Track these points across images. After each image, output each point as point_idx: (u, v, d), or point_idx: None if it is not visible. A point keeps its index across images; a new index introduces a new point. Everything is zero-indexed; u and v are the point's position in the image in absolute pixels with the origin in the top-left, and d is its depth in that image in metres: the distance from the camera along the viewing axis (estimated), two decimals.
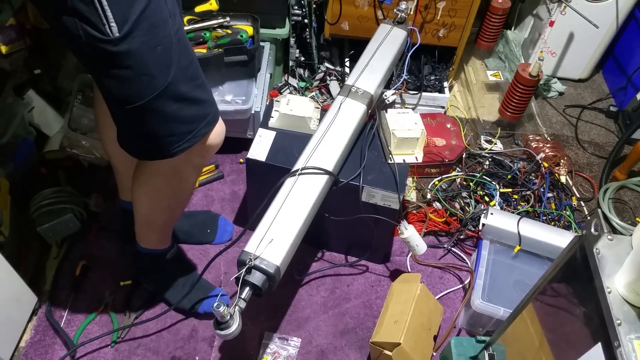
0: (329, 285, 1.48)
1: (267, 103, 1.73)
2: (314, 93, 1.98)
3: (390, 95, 1.43)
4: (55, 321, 1.34)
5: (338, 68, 1.99)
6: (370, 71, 1.41)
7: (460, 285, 1.50)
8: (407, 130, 1.33)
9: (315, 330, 1.39)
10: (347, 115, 1.31)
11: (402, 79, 1.48)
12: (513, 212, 1.62)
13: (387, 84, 1.52)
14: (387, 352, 1.24)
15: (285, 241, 1.09)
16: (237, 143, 1.74)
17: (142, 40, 0.85)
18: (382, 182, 1.31)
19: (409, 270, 1.52)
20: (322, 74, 1.99)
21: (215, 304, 0.98)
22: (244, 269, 1.04)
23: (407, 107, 1.87)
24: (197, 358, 1.32)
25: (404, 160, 1.35)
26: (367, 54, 1.46)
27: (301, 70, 2.02)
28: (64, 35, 0.84)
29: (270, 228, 1.10)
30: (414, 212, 1.65)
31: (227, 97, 1.57)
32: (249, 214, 1.56)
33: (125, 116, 0.96)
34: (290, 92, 1.98)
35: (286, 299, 1.44)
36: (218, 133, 1.07)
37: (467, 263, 1.55)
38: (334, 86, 1.97)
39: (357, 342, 1.38)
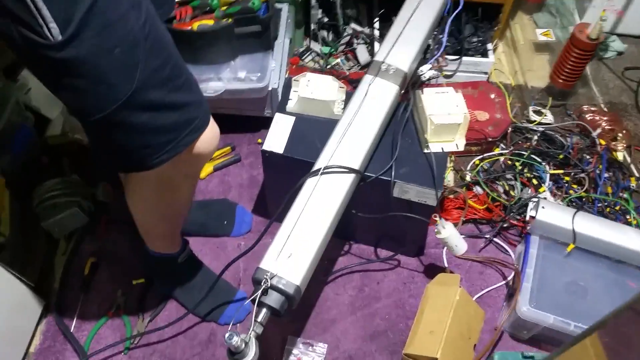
0: (357, 283, 1.35)
1: (287, 75, 1.56)
2: (339, 59, 1.78)
3: (427, 70, 1.24)
4: (65, 326, 1.26)
5: (366, 29, 1.78)
6: (404, 43, 1.21)
7: (503, 282, 1.35)
8: (447, 114, 1.15)
9: (342, 333, 1.27)
10: (377, 99, 1.13)
11: (441, 51, 1.28)
12: (565, 197, 1.44)
13: (423, 56, 1.32)
14: None
15: (306, 256, 0.95)
16: (254, 122, 1.58)
17: (93, 42, 0.68)
18: (417, 175, 1.15)
19: (446, 264, 1.37)
20: (348, 37, 1.79)
21: (227, 335, 0.86)
22: (260, 291, 0.91)
23: (445, 78, 1.66)
24: None
25: (442, 149, 1.18)
26: (400, 22, 1.26)
27: (325, 33, 1.82)
28: (3, 38, 0.68)
29: (288, 240, 0.96)
30: (452, 197, 1.48)
31: (240, 73, 1.40)
32: (269, 206, 1.42)
33: (88, 129, 0.81)
34: (313, 59, 1.79)
35: (311, 299, 1.31)
36: (209, 139, 0.91)
37: (511, 256, 1.39)
38: (361, 51, 1.77)
39: (388, 347, 1.25)
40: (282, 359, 1.22)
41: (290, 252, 0.94)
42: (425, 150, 1.17)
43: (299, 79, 1.22)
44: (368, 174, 1.13)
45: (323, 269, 1.35)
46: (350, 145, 1.07)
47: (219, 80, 1.40)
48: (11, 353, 1.19)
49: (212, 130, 0.93)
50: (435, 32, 1.35)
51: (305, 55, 1.80)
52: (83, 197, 1.39)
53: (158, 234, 1.16)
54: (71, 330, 1.26)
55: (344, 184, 1.03)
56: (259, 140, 1.59)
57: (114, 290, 1.32)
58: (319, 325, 1.28)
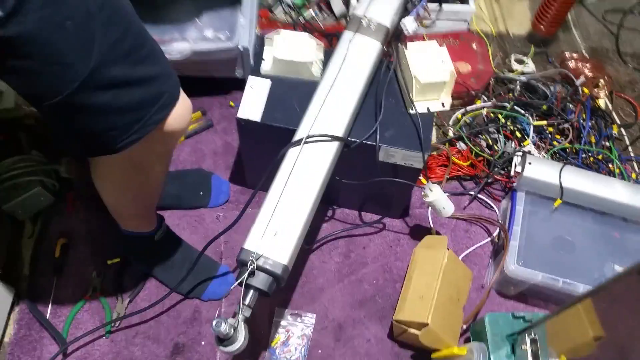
0: (342, 249, 1.31)
1: (257, 31, 1.46)
2: (311, 10, 1.68)
3: (410, 23, 1.15)
4: (40, 313, 1.19)
5: None
6: None
7: (489, 239, 1.34)
8: (432, 72, 1.09)
9: (330, 302, 1.24)
10: (359, 57, 1.05)
11: (423, 2, 1.20)
12: (549, 149, 1.42)
13: (404, 7, 1.24)
14: (413, 330, 1.10)
15: (293, 233, 0.90)
16: (224, 83, 1.49)
17: (38, 16, 0.59)
18: (403, 138, 1.09)
19: (431, 225, 1.34)
20: None
21: (214, 323, 0.81)
22: (246, 273, 0.86)
23: (424, 28, 1.58)
24: (203, 343, 1.18)
25: (428, 108, 1.12)
26: None
27: None
28: None
29: (272, 217, 0.90)
30: (435, 154, 1.44)
31: (206, 32, 1.29)
32: (246, 175, 1.35)
33: (47, 116, 0.72)
34: (284, 12, 1.68)
35: (297, 269, 1.28)
36: (180, 115, 0.82)
37: (495, 212, 1.37)
38: (336, 2, 1.66)
39: (377, 312, 1.24)
40: (270, 332, 1.19)
41: (276, 230, 0.89)
42: (411, 111, 1.11)
43: (272, 37, 1.13)
44: (352, 139, 1.07)
45: (308, 236, 1.30)
46: (332, 111, 1.00)
47: (183, 41, 1.29)
48: None
49: (183, 105, 0.84)
50: None
51: (276, 7, 1.69)
52: (46, 174, 1.30)
53: (130, 215, 1.09)
54: (47, 317, 1.19)
55: (328, 152, 0.97)
56: (232, 103, 1.50)
57: (88, 272, 1.25)
58: (307, 295, 1.24)
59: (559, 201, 1.21)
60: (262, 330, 1.20)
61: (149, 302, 1.21)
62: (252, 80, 1.14)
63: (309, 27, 1.64)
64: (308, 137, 0.96)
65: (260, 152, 1.20)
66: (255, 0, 1.51)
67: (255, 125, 1.10)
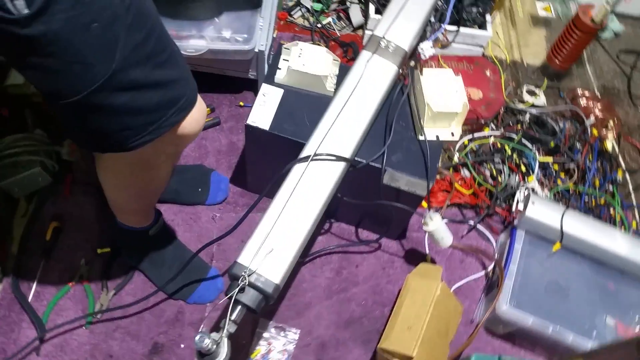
0: (335, 265, 1.30)
1: (274, 34, 1.44)
2: (330, 19, 1.66)
3: (427, 48, 1.14)
4: (22, 295, 1.18)
5: None
6: (406, 18, 1.11)
7: (483, 273, 1.33)
8: (446, 101, 1.07)
9: (316, 318, 1.23)
10: (374, 79, 1.04)
11: (443, 27, 1.19)
12: (552, 188, 1.41)
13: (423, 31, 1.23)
14: None
15: (288, 252, 0.88)
16: (237, 82, 1.47)
17: (65, 17, 0.58)
18: (409, 163, 1.08)
19: (427, 250, 1.33)
20: None
21: (197, 338, 0.80)
22: (237, 289, 0.85)
23: (440, 49, 1.57)
24: (182, 346, 1.17)
25: (437, 136, 1.11)
26: None
27: None
28: None
29: (270, 233, 0.89)
30: (438, 178, 1.43)
31: (224, 32, 1.27)
32: (248, 179, 1.34)
33: (61, 112, 0.71)
34: (302, 16, 1.66)
35: (286, 280, 1.26)
36: (196, 119, 0.82)
37: (492, 245, 1.36)
38: (355, 11, 1.65)
39: (362, 335, 1.22)
40: (252, 342, 1.18)
41: (272, 247, 0.87)
42: (420, 137, 1.10)
43: (290, 47, 1.12)
44: (359, 160, 1.05)
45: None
46: (343, 131, 0.99)
47: (201, 39, 1.27)
48: None
49: (199, 109, 0.83)
50: (439, 5, 1.25)
51: (295, 11, 1.67)
52: (47, 155, 1.28)
53: (130, 210, 1.08)
54: (29, 300, 1.18)
55: (333, 172, 0.96)
56: (241, 103, 1.49)
57: (77, 258, 1.24)
58: (293, 309, 1.23)
59: (558, 245, 1.20)
60: (243, 341, 1.18)
61: (133, 297, 1.20)
62: (265, 88, 1.12)
63: (325, 34, 1.62)
64: (315, 155, 0.94)
65: (265, 159, 1.19)
66: (275, 3, 1.50)
67: (263, 133, 1.08)
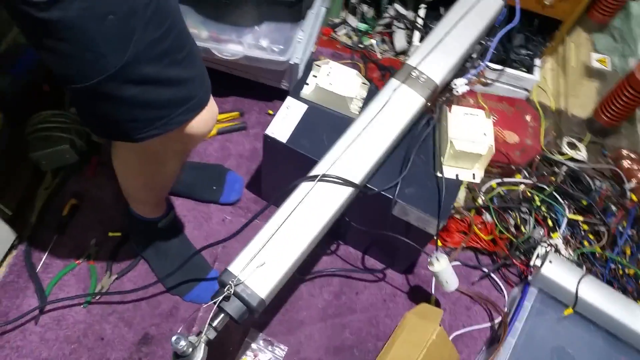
0: (335, 288, 1.28)
1: (314, 49, 1.45)
2: (373, 40, 1.65)
3: (461, 85, 1.11)
4: (32, 264, 1.22)
5: (410, 14, 1.64)
6: (442, 52, 1.09)
7: (488, 324, 1.27)
8: (471, 141, 1.04)
9: (307, 339, 1.21)
10: (398, 109, 1.03)
11: (481, 67, 1.16)
12: (577, 249, 1.34)
13: (463, 64, 1.20)
14: None
15: (279, 269, 0.88)
16: (269, 91, 1.48)
17: (82, 6, 0.60)
18: (422, 199, 1.05)
19: (433, 291, 1.29)
20: (388, 19, 1.65)
21: (174, 339, 0.80)
22: (222, 296, 0.85)
23: (482, 86, 1.53)
24: None
25: (457, 175, 1.08)
26: (444, 26, 1.13)
27: (365, 8, 1.68)
28: None
29: (265, 247, 0.88)
30: (457, 217, 1.39)
31: (262, 41, 1.29)
32: (263, 188, 1.34)
33: (71, 94, 0.73)
34: (346, 34, 1.66)
35: (283, 295, 1.25)
36: (205, 120, 0.82)
37: (504, 297, 1.31)
38: (399, 37, 1.63)
39: None
40: (239, 350, 1.17)
41: (264, 261, 0.87)
42: (438, 174, 1.07)
43: (320, 64, 1.12)
44: (370, 187, 1.04)
45: (303, 265, 1.28)
46: (357, 155, 0.97)
47: (239, 44, 1.29)
48: None
49: (209, 111, 0.84)
50: (483, 41, 1.22)
51: (340, 28, 1.68)
52: (77, 134, 1.32)
53: (140, 199, 1.11)
54: (37, 270, 1.21)
55: (339, 196, 0.94)
56: (270, 112, 1.50)
57: (88, 237, 1.27)
58: (285, 324, 1.22)
59: (570, 310, 1.14)
60: (230, 347, 1.18)
61: (134, 285, 1.22)
62: (289, 101, 1.12)
63: (365, 54, 1.61)
64: (323, 176, 0.94)
65: (280, 171, 1.19)
66: (320, 17, 1.51)
67: (280, 145, 1.08)
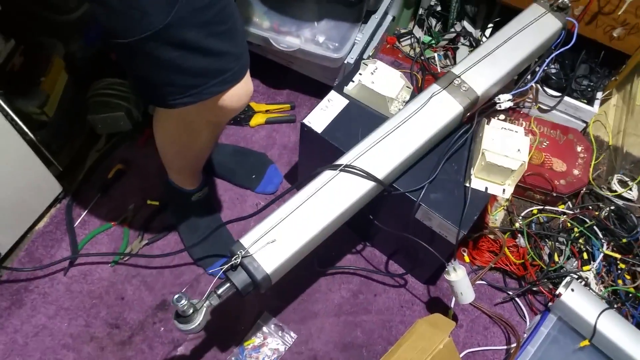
0: (354, 286, 1.28)
1: (372, 54, 1.47)
2: (436, 54, 1.65)
3: (505, 100, 1.10)
4: (71, 218, 1.30)
5: (477, 32, 1.63)
6: (490, 64, 1.09)
7: (504, 347, 1.23)
8: (503, 155, 1.03)
9: (317, 331, 1.22)
10: (435, 113, 1.03)
11: (529, 85, 1.14)
12: (610, 286, 1.28)
13: (515, 82, 1.19)
14: None
15: (289, 248, 0.90)
16: (323, 88, 1.51)
17: None
18: (447, 206, 1.04)
19: (452, 305, 1.27)
20: (454, 34, 1.64)
21: (175, 296, 0.84)
22: (229, 264, 0.87)
23: (539, 111, 1.50)
24: None
25: (486, 188, 1.06)
26: (496, 39, 1.12)
27: (433, 22, 1.69)
28: None
29: (279, 225, 0.90)
30: (490, 237, 1.36)
31: (319, 37, 1.32)
32: (299, 177, 1.37)
33: (116, 50, 0.79)
34: (410, 45, 1.67)
35: (302, 284, 1.27)
36: (238, 95, 0.86)
37: (526, 323, 1.27)
38: (462, 53, 1.63)
39: None
40: (250, 330, 1.20)
41: (275, 238, 0.89)
42: (467, 184, 1.06)
43: (367, 63, 1.14)
44: (395, 187, 1.04)
45: (326, 260, 1.29)
46: (384, 152, 0.98)
47: (296, 37, 1.33)
48: (18, 223, 1.24)
49: (244, 87, 0.88)
50: (536, 61, 1.20)
51: (405, 39, 1.69)
52: (135, 104, 1.40)
53: (174, 167, 1.16)
54: (75, 225, 1.29)
55: (359, 189, 0.95)
56: None
57: (128, 202, 1.34)
58: (299, 313, 1.23)
59: (586, 342, 1.09)
60: (242, 327, 1.20)
61: (162, 252, 1.27)
62: (332, 95, 1.15)
63: (425, 66, 1.61)
64: (346, 166, 0.95)
65: (314, 161, 1.21)
66: (385, 24, 1.53)
67: (315, 135, 1.10)
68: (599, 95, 1.49)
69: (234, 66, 0.83)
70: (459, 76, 1.06)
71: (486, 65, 1.09)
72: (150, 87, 0.82)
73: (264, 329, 1.20)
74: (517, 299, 1.30)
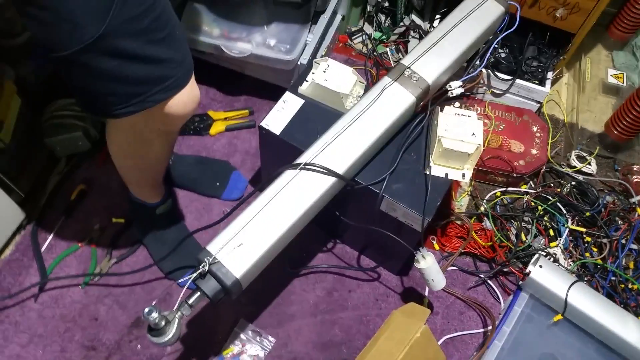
0: (328, 284, 1.29)
1: (324, 53, 1.48)
2: (388, 48, 1.68)
3: (455, 87, 1.12)
4: (37, 244, 1.28)
5: (426, 24, 1.66)
6: (437, 54, 1.11)
7: (482, 330, 1.25)
8: (459, 140, 1.05)
9: (296, 333, 1.22)
10: (387, 105, 1.04)
11: (478, 70, 1.16)
12: (578, 259, 1.31)
13: (465, 68, 1.21)
14: None
15: (256, 250, 0.90)
16: (280, 91, 1.51)
17: None
18: (409, 195, 1.06)
19: (426, 293, 1.28)
20: (404, 28, 1.67)
21: (146, 309, 0.83)
22: (197, 273, 0.87)
23: (492, 96, 1.53)
24: None
25: (446, 174, 1.08)
26: (441, 29, 1.15)
27: (382, 18, 1.71)
28: None
29: (244, 228, 0.91)
30: (458, 223, 1.38)
31: (270, 40, 1.33)
32: (262, 181, 1.37)
33: (54, 64, 0.78)
34: (362, 42, 1.69)
35: (276, 287, 1.27)
36: (184, 102, 0.86)
37: (500, 304, 1.29)
38: (413, 46, 1.65)
39: None
40: (227, 339, 1.19)
41: (241, 242, 0.89)
42: (427, 172, 1.08)
43: (319, 62, 1.15)
44: (358, 181, 1.05)
45: (298, 261, 1.30)
46: (342, 147, 0.99)
47: (247, 43, 1.34)
48: None
49: (189, 93, 0.88)
50: (484, 46, 1.23)
51: (357, 37, 1.71)
52: (92, 124, 1.39)
53: (133, 181, 1.16)
54: (41, 250, 1.27)
55: (321, 186, 0.96)
56: None
57: (93, 222, 1.32)
58: (275, 317, 1.23)
59: (559, 316, 1.12)
60: (219, 336, 1.20)
61: (132, 269, 1.25)
62: (287, 96, 1.16)
63: (378, 61, 1.64)
64: (306, 164, 0.96)
65: (275, 163, 1.21)
66: (335, 23, 1.55)
67: (274, 137, 1.11)
68: (550, 75, 1.53)
69: (177, 72, 0.83)
70: (409, 67, 1.08)
71: (434, 54, 1.11)
72: (93, 98, 0.82)
73: (242, 336, 1.20)
74: (489, 281, 1.32)
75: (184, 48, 0.84)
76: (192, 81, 0.87)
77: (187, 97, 0.86)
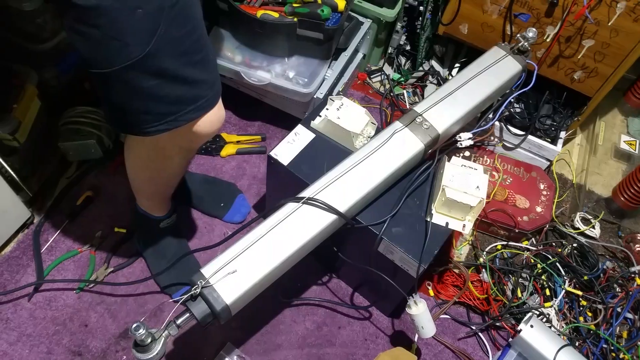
0: (319, 318, 1.29)
1: (342, 89, 1.51)
2: (405, 91, 1.70)
3: (465, 138, 1.14)
4: (38, 244, 1.29)
5: (445, 71, 1.69)
6: (451, 104, 1.13)
7: None
8: (462, 192, 1.06)
9: None
10: (397, 150, 1.06)
11: (490, 124, 1.18)
12: (571, 322, 1.30)
13: (477, 121, 1.23)
14: None
15: (250, 279, 0.90)
16: (294, 121, 1.54)
17: None
18: (408, 240, 1.06)
19: (416, 339, 1.28)
20: (422, 73, 1.70)
21: (134, 325, 0.84)
22: (189, 295, 0.88)
23: (503, 149, 1.54)
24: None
25: (447, 223, 1.09)
26: (457, 80, 1.17)
27: (403, 60, 1.75)
28: None
29: (240, 256, 0.92)
30: (455, 271, 1.38)
31: (289, 72, 1.36)
32: (267, 208, 1.39)
33: (93, 79, 0.81)
34: (380, 82, 1.72)
35: (266, 315, 1.27)
36: (211, 121, 0.89)
37: (488, 358, 1.28)
38: (430, 91, 1.68)
39: None
40: None
41: (236, 269, 0.90)
42: (428, 219, 1.08)
43: (334, 99, 1.17)
44: (359, 220, 1.06)
45: (292, 290, 1.30)
46: (347, 185, 1.00)
47: (267, 72, 1.37)
48: None
49: (217, 114, 0.91)
50: (499, 99, 1.25)
51: (375, 75, 1.74)
52: (107, 132, 1.42)
53: (144, 193, 1.17)
54: (41, 250, 1.29)
55: (321, 222, 0.97)
56: None
57: (95, 229, 1.34)
58: (262, 345, 1.23)
59: None
60: (205, 357, 1.20)
61: (127, 280, 1.27)
62: (299, 128, 1.18)
63: (394, 102, 1.66)
64: (309, 199, 0.97)
65: (280, 192, 1.24)
66: (356, 61, 1.58)
67: (282, 167, 1.13)
68: (563, 134, 1.54)
69: (208, 93, 0.86)
70: (421, 114, 1.09)
71: (447, 104, 1.12)
72: (127, 115, 0.84)
73: (227, 359, 1.20)
74: (480, 333, 1.32)
75: (216, 70, 0.87)
76: (220, 102, 0.90)
77: (215, 117, 0.89)
